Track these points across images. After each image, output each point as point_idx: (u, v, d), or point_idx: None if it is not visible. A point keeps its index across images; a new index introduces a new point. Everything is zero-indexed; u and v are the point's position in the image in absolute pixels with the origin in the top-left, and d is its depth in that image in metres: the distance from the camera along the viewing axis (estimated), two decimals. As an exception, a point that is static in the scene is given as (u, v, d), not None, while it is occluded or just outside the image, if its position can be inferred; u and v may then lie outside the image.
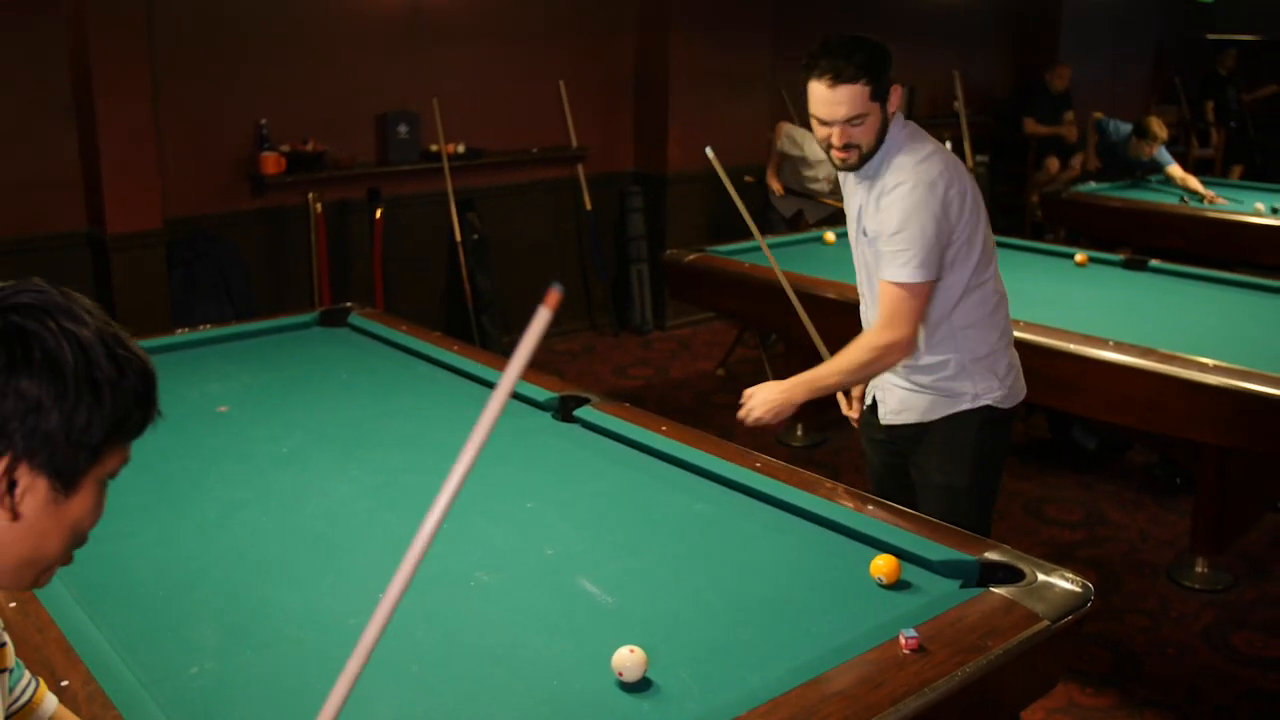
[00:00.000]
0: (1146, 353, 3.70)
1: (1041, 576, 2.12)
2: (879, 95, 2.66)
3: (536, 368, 3.59)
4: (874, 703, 1.74)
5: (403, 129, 6.43)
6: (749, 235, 5.96)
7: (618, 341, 7.44)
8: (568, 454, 2.86)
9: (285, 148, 6.04)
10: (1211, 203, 6.91)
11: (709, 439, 2.84)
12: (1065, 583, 2.10)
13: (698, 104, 7.47)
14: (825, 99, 2.66)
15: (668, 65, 7.36)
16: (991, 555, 2.20)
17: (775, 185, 6.90)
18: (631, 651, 1.80)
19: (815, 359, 3.05)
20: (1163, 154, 7.31)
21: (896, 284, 2.67)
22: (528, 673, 1.87)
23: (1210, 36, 11.75)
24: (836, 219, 6.54)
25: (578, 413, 3.03)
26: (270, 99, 6.01)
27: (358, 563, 2.30)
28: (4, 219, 5.30)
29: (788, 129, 6.82)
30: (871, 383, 3.00)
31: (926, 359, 2.82)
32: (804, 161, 6.68)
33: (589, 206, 7.29)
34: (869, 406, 3.04)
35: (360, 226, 6.37)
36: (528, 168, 7.11)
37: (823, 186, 6.56)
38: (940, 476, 2.90)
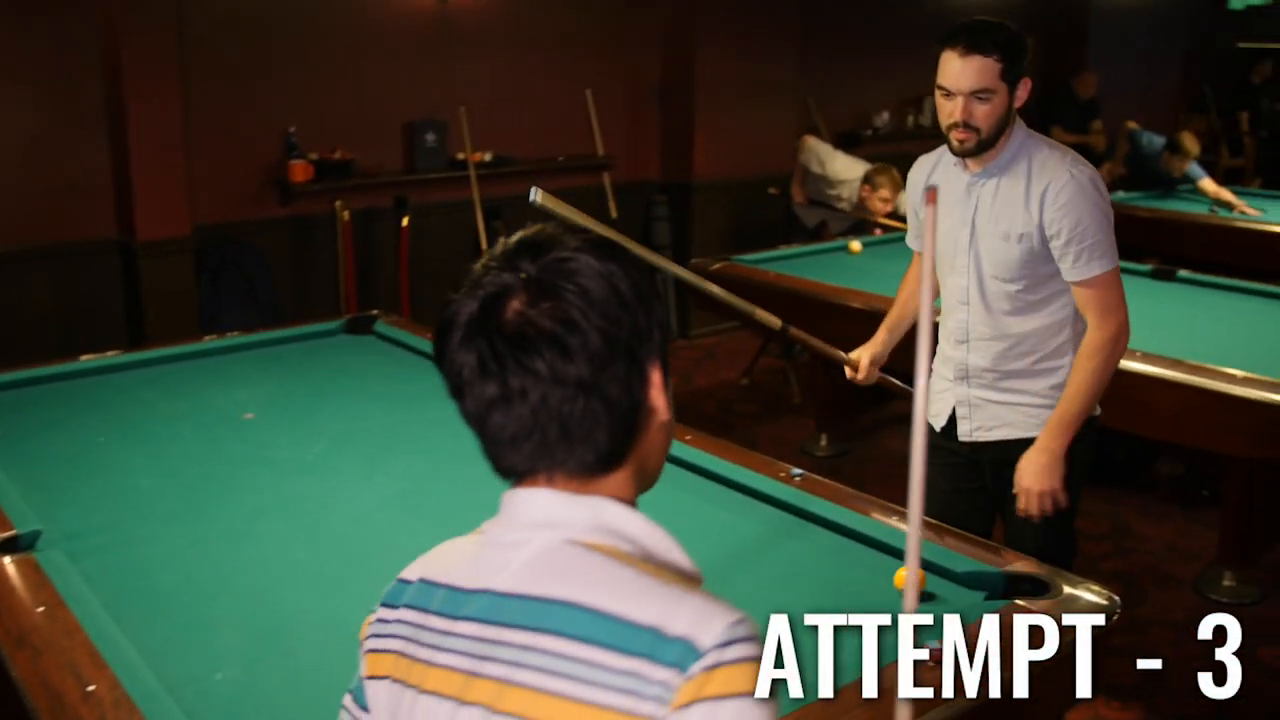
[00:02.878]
0: (1174, 364, 3.67)
1: (1067, 589, 2.11)
2: (1009, 78, 2.60)
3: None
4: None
5: (430, 137, 6.46)
6: (773, 244, 6.02)
7: (642, 350, 7.41)
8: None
9: (313, 156, 6.08)
10: (1242, 213, 6.87)
11: (733, 448, 2.84)
12: (1091, 595, 2.09)
13: (724, 112, 7.47)
14: (955, 68, 2.59)
15: (694, 73, 7.35)
16: (1016, 567, 2.19)
17: (799, 196, 6.89)
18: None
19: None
20: (1194, 169, 7.26)
21: (1100, 275, 2.58)
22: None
23: (1242, 45, 11.67)
24: (860, 229, 6.53)
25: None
26: (299, 107, 6.05)
27: (382, 570, 2.28)
28: (36, 226, 5.36)
29: (812, 143, 6.80)
30: (940, 398, 2.82)
31: (1045, 365, 2.69)
32: (826, 181, 6.66)
33: (615, 215, 7.30)
34: (941, 427, 2.81)
35: (387, 234, 6.40)
36: (554, 176, 7.11)
37: (845, 206, 6.55)
38: None
